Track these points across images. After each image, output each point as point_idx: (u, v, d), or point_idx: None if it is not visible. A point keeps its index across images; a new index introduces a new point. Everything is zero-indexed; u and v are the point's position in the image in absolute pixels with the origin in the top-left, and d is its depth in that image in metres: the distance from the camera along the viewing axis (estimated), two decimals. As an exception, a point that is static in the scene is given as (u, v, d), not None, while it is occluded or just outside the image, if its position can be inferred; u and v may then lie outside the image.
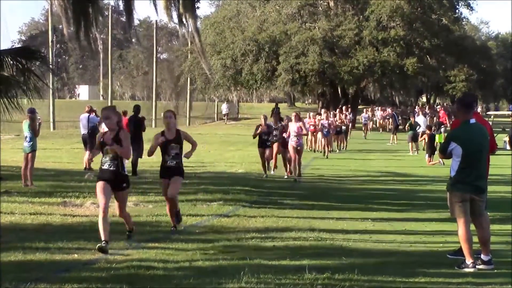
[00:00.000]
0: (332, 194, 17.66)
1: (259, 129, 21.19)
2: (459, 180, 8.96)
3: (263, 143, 21.18)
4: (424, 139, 28.66)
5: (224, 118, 65.33)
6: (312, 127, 30.68)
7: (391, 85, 58.35)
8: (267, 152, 21.16)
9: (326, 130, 30.30)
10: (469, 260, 8.83)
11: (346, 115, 38.08)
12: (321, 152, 30.66)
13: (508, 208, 14.29)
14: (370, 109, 54.56)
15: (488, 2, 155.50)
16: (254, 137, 21.54)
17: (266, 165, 21.37)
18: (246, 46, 53.26)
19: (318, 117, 32.10)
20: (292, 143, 20.22)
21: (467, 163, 8.89)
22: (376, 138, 44.06)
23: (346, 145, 34.88)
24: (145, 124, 21.27)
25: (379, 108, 57.60)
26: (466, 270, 8.77)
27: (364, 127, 46.92)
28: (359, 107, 59.85)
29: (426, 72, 55.51)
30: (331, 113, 36.11)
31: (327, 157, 29.10)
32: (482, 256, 9.04)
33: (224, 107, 66.12)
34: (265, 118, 21.45)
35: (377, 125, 53.39)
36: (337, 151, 32.96)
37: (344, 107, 42.45)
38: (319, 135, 31.15)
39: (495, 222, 11.58)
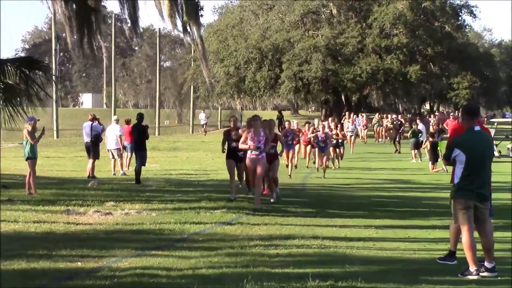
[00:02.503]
0: (335, 201, 17.62)
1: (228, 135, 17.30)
2: (463, 187, 8.96)
3: (232, 153, 17.06)
4: (427, 146, 28.61)
5: (203, 128, 57.53)
6: (296, 139, 25.27)
7: (394, 92, 58.41)
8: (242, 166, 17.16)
9: (323, 144, 24.62)
10: (472, 268, 8.81)
11: (341, 128, 31.25)
12: (314, 169, 25.58)
13: (509, 215, 14.25)
14: (347, 116, 44.38)
15: (491, 8, 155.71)
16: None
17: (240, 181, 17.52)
18: (249, 54, 53.35)
19: (307, 126, 26.81)
20: (248, 155, 16.23)
21: (471, 170, 8.89)
22: (373, 150, 43.90)
23: (340, 160, 28.51)
24: (148, 132, 21.31)
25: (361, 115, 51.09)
26: (470, 277, 8.75)
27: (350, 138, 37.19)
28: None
29: (429, 79, 55.58)
30: (326, 123, 30.85)
31: (324, 177, 23.61)
32: (486, 264, 9.02)
33: (202, 117, 58.66)
34: (235, 120, 17.61)
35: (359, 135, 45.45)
36: (332, 167, 26.71)
37: (330, 118, 36.15)
38: (309, 149, 26.54)
39: (496, 229, 11.52)
